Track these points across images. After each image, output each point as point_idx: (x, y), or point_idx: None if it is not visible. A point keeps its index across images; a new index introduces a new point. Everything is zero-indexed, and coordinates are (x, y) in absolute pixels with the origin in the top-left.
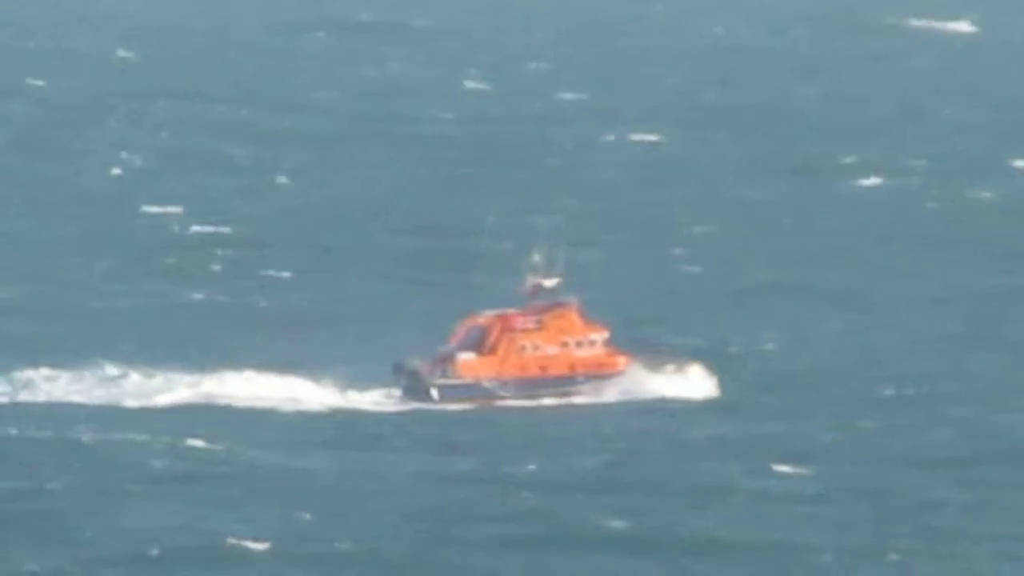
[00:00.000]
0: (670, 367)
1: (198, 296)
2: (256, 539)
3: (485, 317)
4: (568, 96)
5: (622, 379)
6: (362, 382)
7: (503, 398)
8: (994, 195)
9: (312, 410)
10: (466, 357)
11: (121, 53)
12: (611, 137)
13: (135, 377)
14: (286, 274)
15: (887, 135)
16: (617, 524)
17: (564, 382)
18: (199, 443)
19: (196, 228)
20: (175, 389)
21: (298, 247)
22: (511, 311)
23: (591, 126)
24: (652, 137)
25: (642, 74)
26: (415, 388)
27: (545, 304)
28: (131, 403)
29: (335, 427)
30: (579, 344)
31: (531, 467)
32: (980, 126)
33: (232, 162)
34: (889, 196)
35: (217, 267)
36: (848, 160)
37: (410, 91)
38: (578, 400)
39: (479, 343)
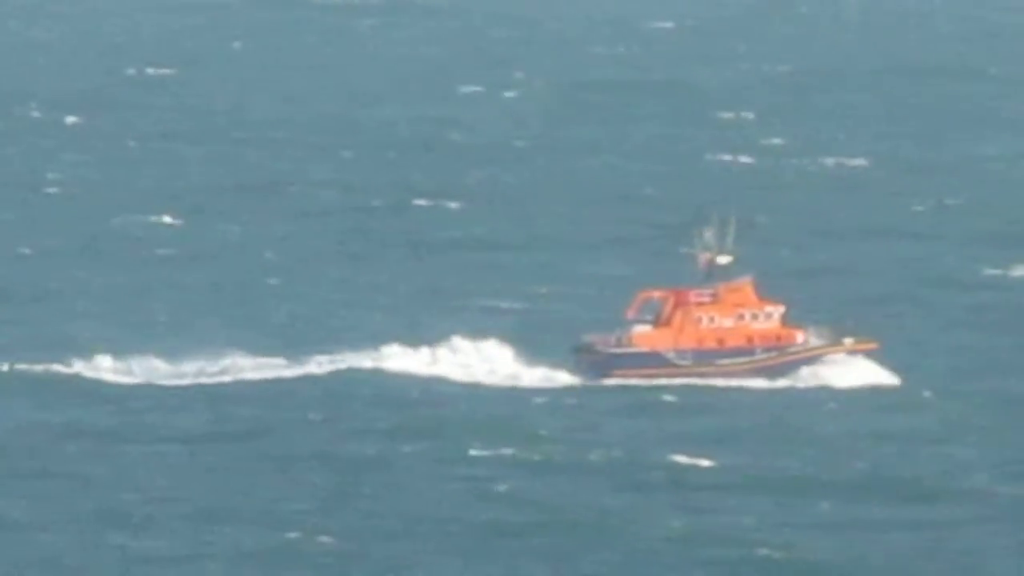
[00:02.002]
0: (848, 341)
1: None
2: None
3: (659, 291)
4: None
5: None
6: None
7: (680, 368)
8: None
9: None
10: (642, 328)
11: None
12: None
13: None
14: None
15: None
16: None
17: (742, 354)
18: None
19: None
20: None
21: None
22: (685, 287)
23: None
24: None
25: None
26: (592, 361)
27: (721, 280)
28: None
29: None
30: (755, 317)
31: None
32: None
33: None
34: None
35: None
36: None
37: None
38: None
39: (655, 316)
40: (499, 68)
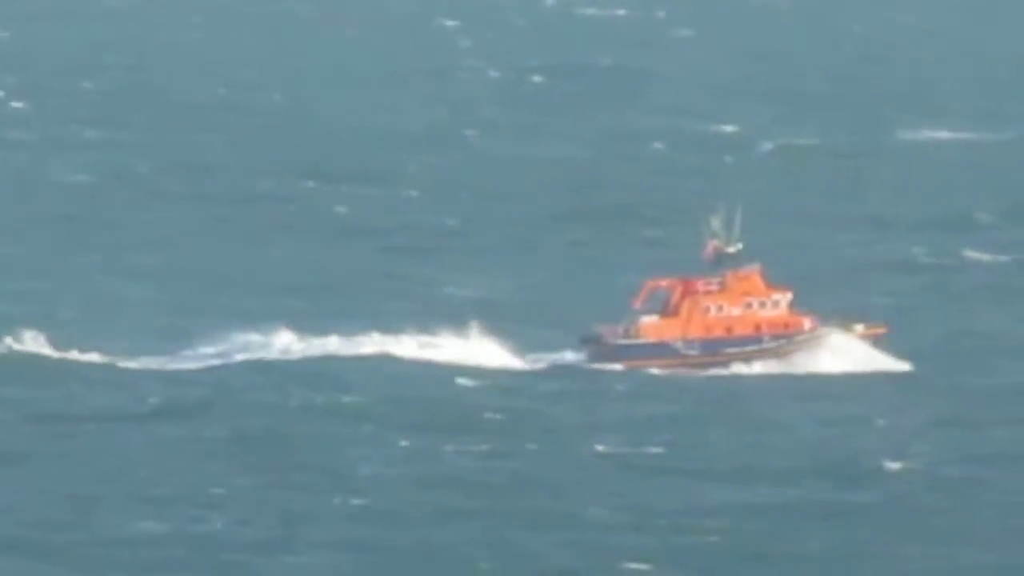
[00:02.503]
0: (858, 327)
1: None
2: None
3: (667, 281)
4: None
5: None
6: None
7: (688, 358)
8: None
9: None
10: (649, 319)
11: None
12: None
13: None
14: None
15: None
16: None
17: (750, 342)
18: None
19: None
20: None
21: None
22: (693, 276)
23: None
24: None
25: None
26: (600, 352)
27: (728, 268)
28: None
29: None
30: (763, 305)
31: None
32: None
33: None
34: None
35: None
36: None
37: None
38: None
39: (662, 306)
40: (447, 54)
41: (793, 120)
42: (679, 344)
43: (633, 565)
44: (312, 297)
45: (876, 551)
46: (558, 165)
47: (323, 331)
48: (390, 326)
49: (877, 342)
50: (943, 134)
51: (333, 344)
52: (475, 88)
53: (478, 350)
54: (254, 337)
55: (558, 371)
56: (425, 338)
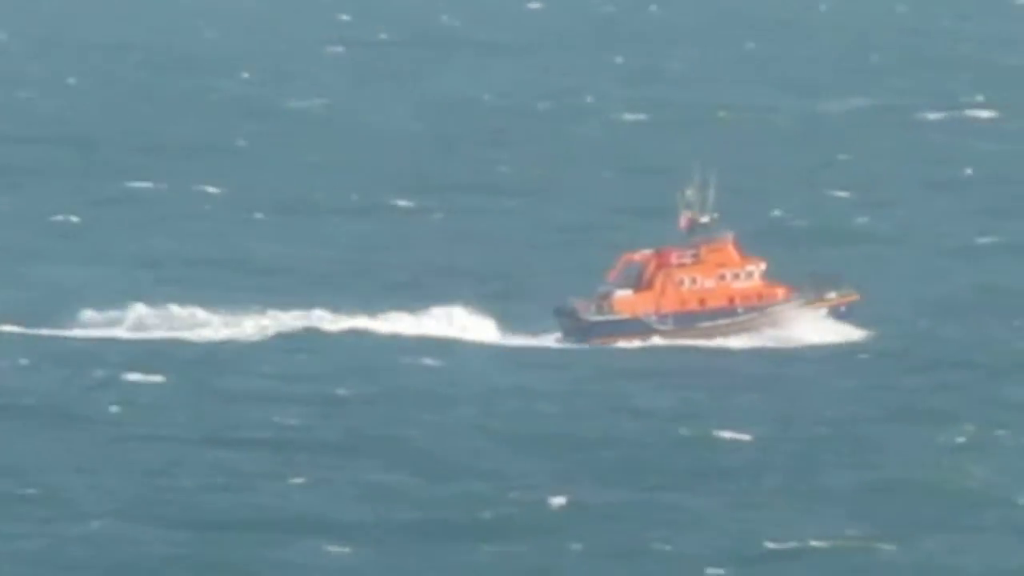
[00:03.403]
0: (832, 295)
1: None
2: None
3: (640, 254)
4: None
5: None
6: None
7: (662, 332)
8: None
9: None
10: (623, 293)
11: None
12: None
13: None
14: None
15: None
16: None
17: (724, 314)
18: None
19: None
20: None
21: None
22: (667, 247)
23: None
24: None
25: None
26: (574, 328)
27: (702, 239)
28: None
29: None
30: (737, 276)
31: None
32: None
33: None
34: None
35: None
36: None
37: None
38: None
39: (636, 279)
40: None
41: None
42: (653, 319)
43: None
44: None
45: None
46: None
47: None
48: None
49: (850, 309)
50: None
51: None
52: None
53: None
54: None
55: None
56: None
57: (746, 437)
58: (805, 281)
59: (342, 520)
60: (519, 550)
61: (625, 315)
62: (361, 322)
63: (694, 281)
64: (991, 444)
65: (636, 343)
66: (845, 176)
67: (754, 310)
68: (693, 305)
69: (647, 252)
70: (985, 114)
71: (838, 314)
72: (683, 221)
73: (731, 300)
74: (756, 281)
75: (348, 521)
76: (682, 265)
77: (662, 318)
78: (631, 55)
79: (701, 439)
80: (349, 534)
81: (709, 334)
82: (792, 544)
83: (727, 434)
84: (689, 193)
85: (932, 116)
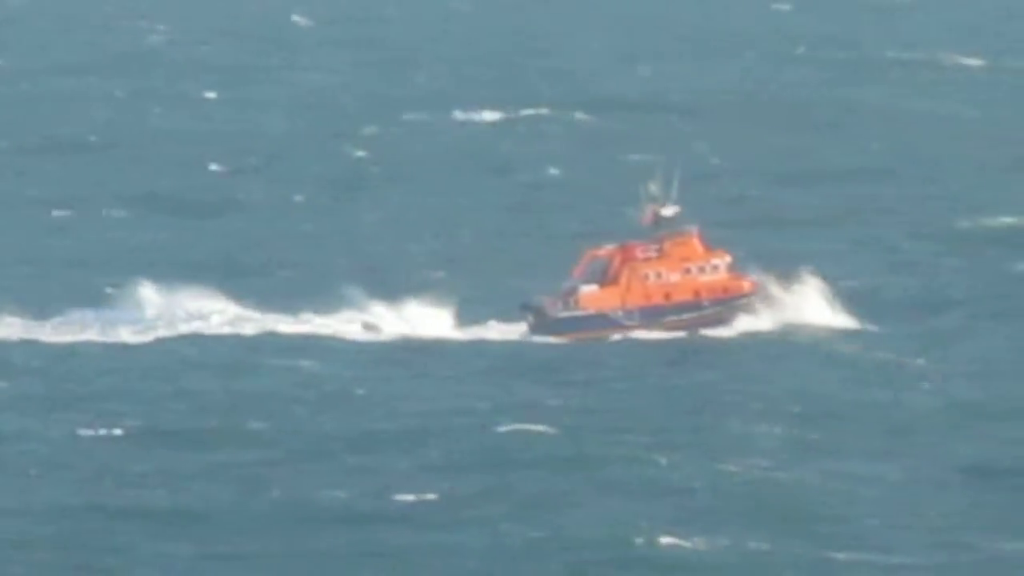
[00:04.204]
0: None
1: None
2: None
3: (605, 249)
4: None
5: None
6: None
7: (628, 327)
8: None
9: None
10: (589, 289)
11: None
12: None
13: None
14: None
15: None
16: None
17: (690, 308)
18: None
19: None
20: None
21: None
22: (631, 242)
23: None
24: None
25: None
26: (541, 324)
27: (666, 233)
28: None
29: None
30: (702, 270)
31: None
32: None
33: None
34: None
35: None
36: None
37: None
38: None
39: (601, 275)
40: None
41: None
42: (619, 315)
43: None
44: None
45: None
46: None
47: None
48: None
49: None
50: None
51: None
52: None
53: None
54: None
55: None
56: None
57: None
58: (770, 271)
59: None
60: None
61: (591, 311)
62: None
63: (659, 275)
64: None
65: (596, 336)
66: None
67: (720, 303)
68: (659, 299)
69: (611, 247)
70: None
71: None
72: (647, 215)
73: (697, 293)
74: (722, 274)
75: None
76: (647, 259)
77: (628, 313)
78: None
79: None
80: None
81: (675, 328)
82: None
83: (535, 427)
84: (652, 187)
85: None
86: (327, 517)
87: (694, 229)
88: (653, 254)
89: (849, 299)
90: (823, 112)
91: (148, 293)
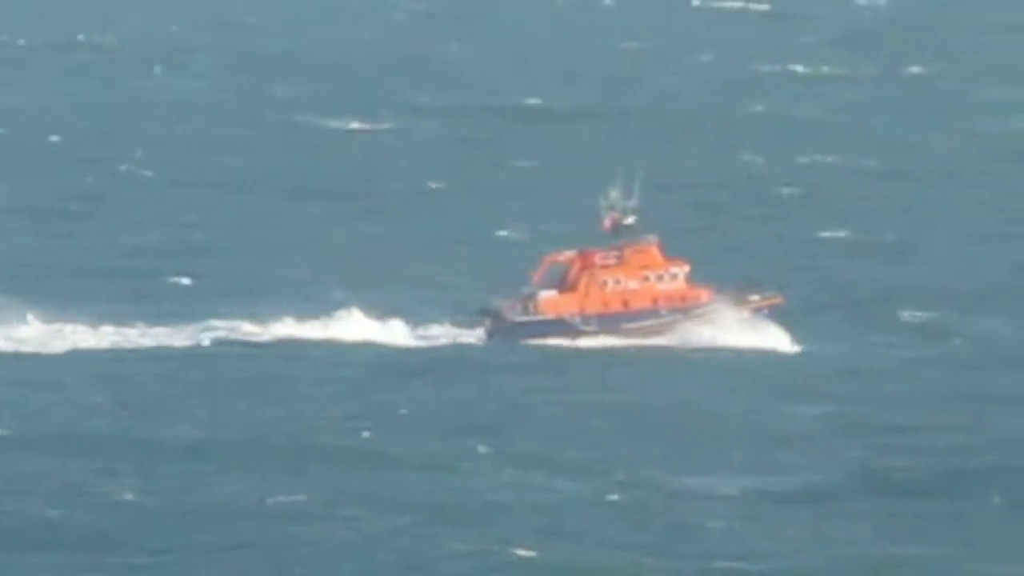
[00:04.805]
0: (755, 298)
1: None
2: None
3: (565, 255)
4: None
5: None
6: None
7: (587, 333)
8: None
9: None
10: (548, 294)
11: None
12: None
13: None
14: None
15: None
16: None
17: (648, 316)
18: None
19: None
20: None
21: None
22: (590, 248)
23: None
24: None
25: None
26: (498, 328)
27: (626, 240)
28: None
29: None
30: (660, 278)
31: None
32: None
33: None
34: None
35: None
36: None
37: None
38: None
39: (560, 280)
40: None
41: None
42: (577, 320)
43: None
44: None
45: None
46: None
47: None
48: None
49: (772, 312)
50: None
51: None
52: None
53: None
54: None
55: None
56: None
57: None
58: (729, 283)
59: None
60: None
61: (550, 316)
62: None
63: (618, 282)
64: None
65: (555, 342)
66: None
67: (678, 311)
68: (617, 306)
69: (571, 253)
70: None
71: (761, 316)
72: (607, 223)
73: (655, 301)
74: (680, 283)
75: None
76: (606, 266)
77: (586, 319)
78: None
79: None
80: None
81: (633, 335)
82: None
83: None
84: (613, 195)
85: None
86: None
87: (654, 238)
88: (612, 261)
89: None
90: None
91: None
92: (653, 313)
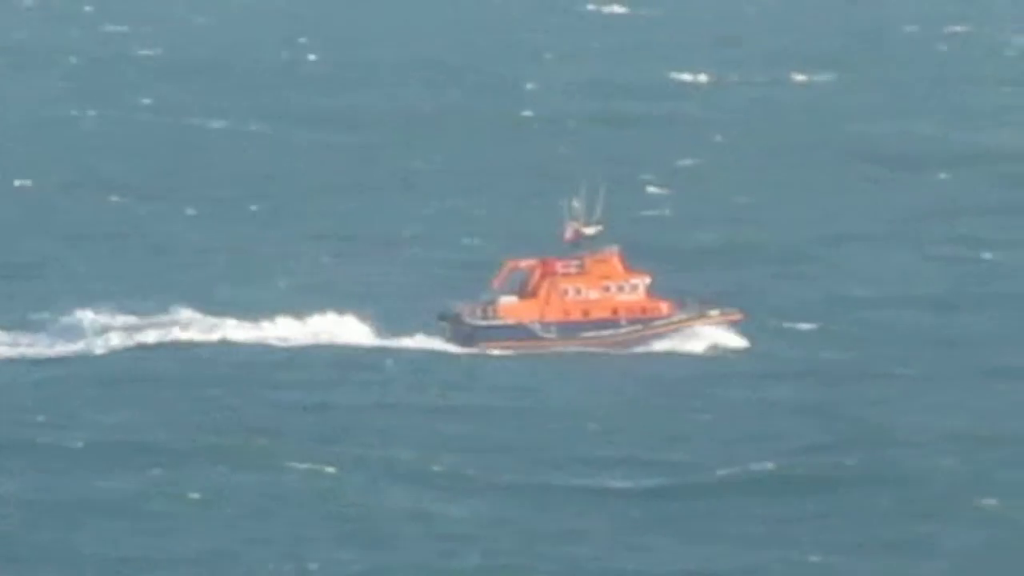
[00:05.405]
0: (714, 312)
1: None
2: None
3: (526, 262)
4: None
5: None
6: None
7: (545, 340)
8: None
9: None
10: (508, 300)
11: None
12: None
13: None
14: None
15: None
16: None
17: (607, 326)
18: None
19: None
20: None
21: None
22: (552, 257)
23: None
24: None
25: None
26: (458, 332)
27: (587, 251)
28: None
29: None
30: (621, 288)
31: None
32: None
33: None
34: None
35: None
36: None
37: None
38: None
39: (521, 287)
40: None
41: None
42: (537, 327)
43: None
44: None
45: None
46: None
47: None
48: None
49: (732, 328)
50: None
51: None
52: None
53: None
54: None
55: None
56: None
57: None
58: (689, 297)
59: None
60: None
61: (510, 321)
62: None
63: (578, 291)
64: None
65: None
66: None
67: (637, 323)
68: (577, 315)
69: (532, 260)
70: None
71: (719, 330)
72: (569, 232)
73: (615, 312)
74: (640, 294)
75: None
76: (567, 275)
77: (545, 326)
78: None
79: None
80: None
81: (592, 345)
82: None
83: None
84: (575, 204)
85: None
86: None
87: (615, 248)
88: (573, 270)
89: None
90: None
91: None
92: (613, 323)
